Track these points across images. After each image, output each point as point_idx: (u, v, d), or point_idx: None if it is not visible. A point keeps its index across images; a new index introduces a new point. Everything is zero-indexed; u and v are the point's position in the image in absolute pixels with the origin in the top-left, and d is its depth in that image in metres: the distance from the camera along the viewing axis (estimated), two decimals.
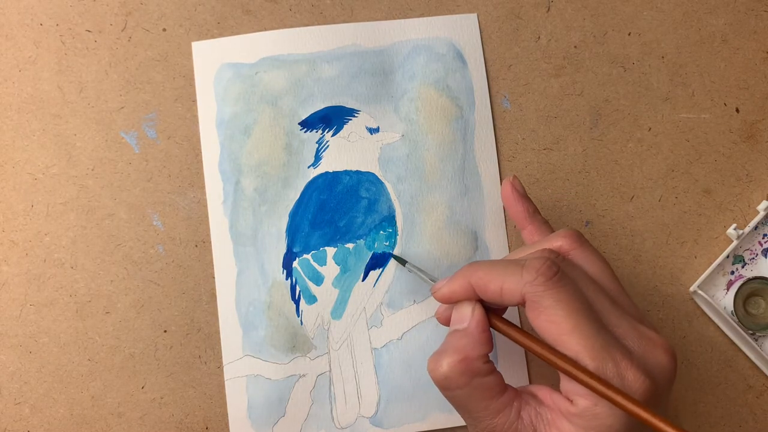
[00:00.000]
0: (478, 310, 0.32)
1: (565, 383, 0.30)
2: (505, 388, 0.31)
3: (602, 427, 0.29)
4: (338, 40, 0.41)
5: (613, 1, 0.43)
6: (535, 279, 0.30)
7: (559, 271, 0.30)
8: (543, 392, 0.31)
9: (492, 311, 0.33)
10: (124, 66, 0.41)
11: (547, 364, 0.30)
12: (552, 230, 0.37)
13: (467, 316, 0.32)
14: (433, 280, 0.36)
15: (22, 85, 0.41)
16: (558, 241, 0.33)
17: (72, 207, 0.40)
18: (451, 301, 0.33)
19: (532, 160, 0.42)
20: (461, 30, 0.42)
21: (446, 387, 0.31)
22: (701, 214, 0.42)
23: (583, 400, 0.29)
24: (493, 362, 0.32)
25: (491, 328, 0.32)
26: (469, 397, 0.31)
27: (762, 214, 0.41)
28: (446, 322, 0.34)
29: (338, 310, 0.40)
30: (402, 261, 0.39)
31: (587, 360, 0.29)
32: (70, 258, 0.40)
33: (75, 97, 0.41)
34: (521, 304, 0.31)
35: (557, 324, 0.29)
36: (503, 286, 0.31)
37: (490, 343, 0.32)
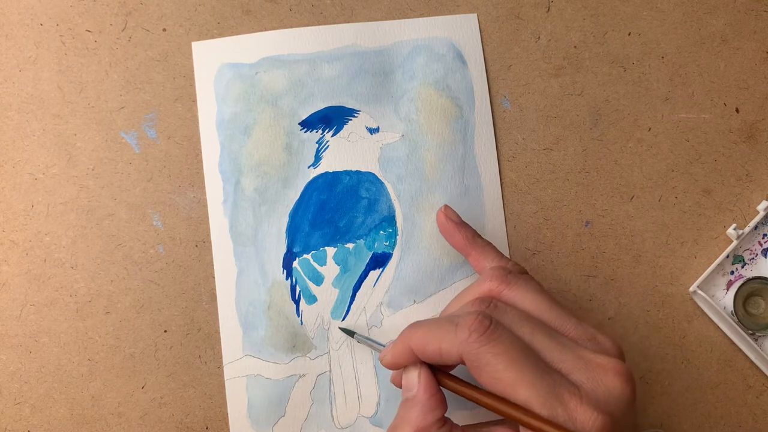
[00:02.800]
0: (424, 375, 0.32)
1: (522, 429, 0.30)
2: None
3: None
4: (338, 40, 0.41)
5: (613, 1, 0.43)
6: (469, 336, 0.30)
7: (492, 323, 0.30)
8: (500, 429, 0.31)
9: (441, 369, 0.33)
10: (124, 66, 0.41)
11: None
12: (495, 251, 0.36)
13: (414, 383, 0.32)
14: (382, 346, 0.36)
15: (22, 85, 0.41)
16: (485, 285, 0.33)
17: (72, 207, 0.40)
18: (399, 367, 0.33)
19: (532, 160, 0.42)
20: (461, 30, 0.42)
21: None
22: (701, 214, 0.42)
23: None
24: (450, 421, 0.31)
25: (444, 388, 0.32)
26: None
27: (762, 214, 0.41)
28: (398, 384, 0.34)
29: (338, 310, 0.40)
30: (350, 333, 0.39)
31: (537, 408, 0.28)
32: (70, 258, 0.40)
33: (75, 97, 0.41)
34: (462, 363, 0.30)
35: (500, 378, 0.29)
36: (441, 347, 0.31)
37: (443, 406, 0.32)
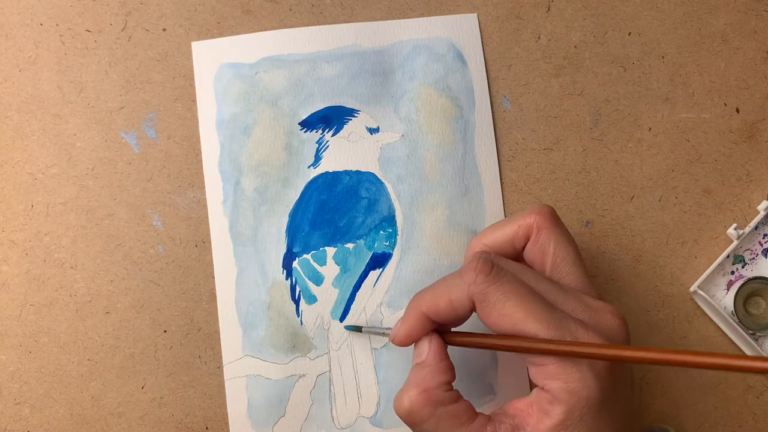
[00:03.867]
0: (435, 341, 0.33)
1: (534, 371, 0.30)
2: (474, 414, 0.31)
3: (580, 402, 0.29)
4: (338, 40, 0.41)
5: (613, 1, 0.43)
6: (475, 279, 0.31)
7: (495, 265, 0.31)
8: (517, 403, 0.31)
9: (450, 332, 0.33)
10: (124, 66, 0.41)
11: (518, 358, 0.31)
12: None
13: (425, 349, 0.33)
14: (389, 329, 0.36)
15: (22, 85, 0.41)
16: (532, 218, 0.34)
17: (72, 207, 0.40)
18: (412, 341, 0.33)
19: (532, 160, 0.42)
20: (461, 30, 0.42)
21: (412, 422, 0.31)
22: (701, 214, 0.42)
23: (554, 382, 0.29)
24: (457, 391, 0.32)
25: (456, 346, 0.33)
26: (438, 428, 0.31)
27: (762, 214, 0.41)
28: None
29: (338, 310, 0.40)
30: (357, 328, 0.39)
31: (546, 337, 0.29)
32: (70, 258, 0.40)
33: (75, 97, 0.41)
34: (473, 310, 0.31)
35: (509, 315, 0.30)
36: (451, 297, 0.31)
37: (451, 372, 0.32)
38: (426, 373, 0.32)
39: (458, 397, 0.32)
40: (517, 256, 0.35)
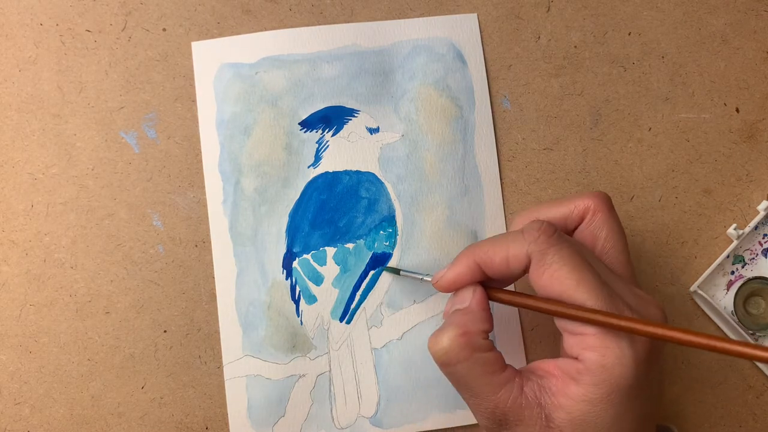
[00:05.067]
0: (479, 290, 0.33)
1: (571, 341, 0.30)
2: (505, 366, 0.32)
3: (611, 378, 0.29)
4: (338, 40, 0.41)
5: (613, 1, 0.43)
6: (538, 238, 0.31)
7: (557, 231, 0.32)
8: (546, 364, 0.32)
9: (492, 289, 0.34)
10: (124, 66, 0.41)
11: (555, 324, 0.31)
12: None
13: (468, 297, 0.33)
14: (428, 275, 0.36)
15: (22, 85, 0.41)
16: (588, 201, 0.34)
17: (72, 207, 0.40)
18: (456, 286, 0.33)
19: (532, 160, 0.42)
20: (461, 30, 0.42)
21: (447, 362, 0.31)
22: (701, 214, 0.42)
23: (590, 353, 0.29)
24: (492, 341, 0.32)
25: (498, 302, 0.33)
26: (470, 372, 0.31)
27: (762, 214, 0.41)
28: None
29: (338, 310, 0.40)
30: (395, 271, 0.39)
31: (594, 308, 0.29)
32: (70, 258, 0.40)
33: (75, 97, 0.41)
34: (526, 271, 0.32)
35: (562, 279, 0.30)
36: (508, 253, 0.32)
37: (491, 322, 0.32)
38: (469, 318, 0.32)
39: (493, 347, 0.32)
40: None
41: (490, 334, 0.32)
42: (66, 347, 0.39)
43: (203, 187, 0.41)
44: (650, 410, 0.31)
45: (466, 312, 0.32)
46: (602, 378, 0.29)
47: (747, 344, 0.27)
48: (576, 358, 0.30)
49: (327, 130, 0.41)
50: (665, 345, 0.31)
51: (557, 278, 0.30)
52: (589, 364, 0.29)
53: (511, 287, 0.35)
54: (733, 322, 0.41)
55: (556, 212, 0.34)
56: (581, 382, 0.29)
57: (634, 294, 0.32)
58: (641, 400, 0.30)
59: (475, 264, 0.33)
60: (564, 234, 0.32)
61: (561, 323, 0.31)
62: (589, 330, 0.29)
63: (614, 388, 0.29)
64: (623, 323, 0.29)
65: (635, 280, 0.34)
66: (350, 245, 0.40)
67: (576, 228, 0.34)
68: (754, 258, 0.42)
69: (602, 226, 0.34)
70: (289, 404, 0.39)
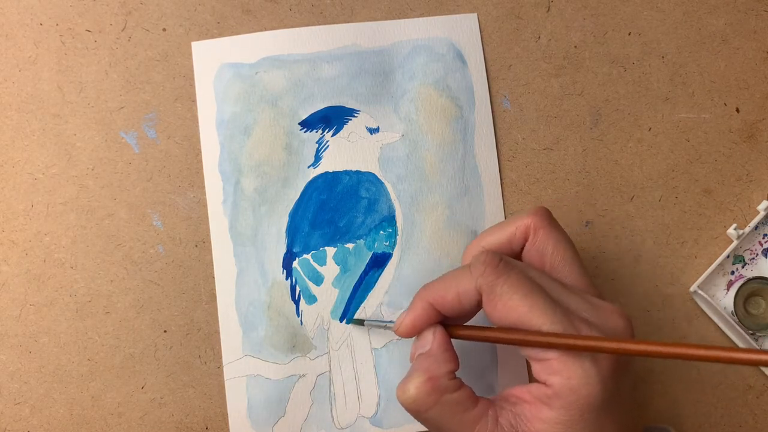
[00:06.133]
0: (439, 331, 0.33)
1: (537, 367, 0.30)
2: (477, 400, 0.32)
3: (581, 399, 0.29)
4: (338, 40, 0.41)
5: (613, 1, 0.43)
6: (484, 271, 0.31)
7: (503, 259, 0.32)
8: (518, 391, 0.32)
9: (453, 325, 0.34)
10: (124, 66, 0.41)
11: (520, 353, 0.31)
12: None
13: (429, 339, 0.33)
14: (392, 322, 0.36)
15: (22, 85, 0.41)
16: (528, 219, 0.34)
17: (72, 207, 0.40)
18: (417, 330, 0.34)
19: (532, 160, 0.42)
20: (461, 30, 0.42)
21: (417, 410, 0.31)
22: (701, 214, 0.42)
23: (556, 377, 0.29)
24: (460, 379, 0.32)
25: (459, 339, 0.33)
26: (441, 415, 0.31)
27: (762, 214, 0.41)
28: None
29: (338, 310, 0.40)
30: (360, 322, 0.39)
31: (550, 330, 0.30)
32: (70, 258, 0.40)
33: (75, 97, 0.41)
34: (479, 303, 0.32)
35: (514, 308, 0.30)
36: (459, 290, 0.32)
37: (455, 361, 0.33)
38: (431, 361, 0.32)
39: (461, 385, 0.32)
40: (515, 258, 0.35)
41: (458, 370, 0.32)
42: (66, 347, 0.39)
43: (203, 187, 0.41)
44: (627, 422, 0.31)
45: (429, 355, 0.32)
46: (571, 400, 0.29)
47: (707, 347, 0.27)
48: (545, 383, 0.30)
49: (327, 130, 0.41)
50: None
51: (510, 307, 0.30)
52: (557, 388, 0.29)
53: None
54: (733, 322, 0.41)
55: (500, 237, 0.35)
56: (553, 407, 0.29)
57: (592, 306, 0.32)
58: (617, 413, 0.30)
59: (429, 305, 0.33)
60: (510, 260, 0.32)
61: (524, 351, 0.31)
62: (551, 354, 0.30)
63: (585, 408, 0.29)
64: (579, 343, 0.29)
65: (594, 289, 0.34)
66: (350, 245, 0.40)
67: (522, 248, 0.35)
68: (754, 258, 0.42)
69: (546, 241, 0.34)
70: (289, 404, 0.39)
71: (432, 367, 0.32)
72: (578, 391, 0.29)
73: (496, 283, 0.31)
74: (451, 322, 0.34)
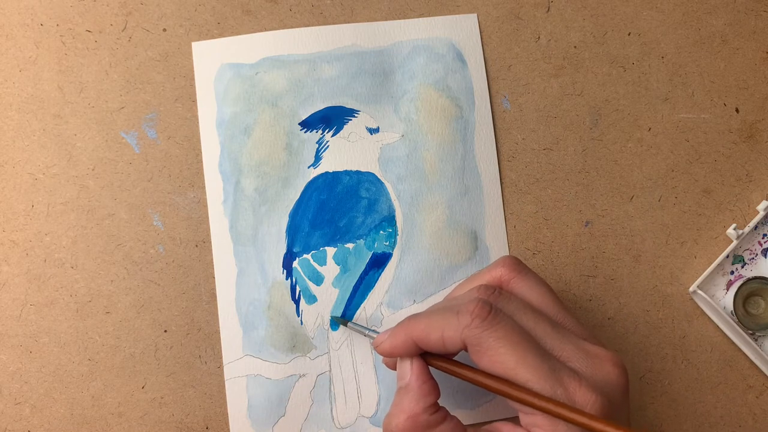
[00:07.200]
0: (416, 363, 0.33)
1: (524, 417, 0.30)
2: (464, 430, 0.31)
3: None
4: (338, 40, 0.41)
5: (613, 1, 0.43)
6: (471, 322, 0.30)
7: (493, 309, 0.30)
8: (505, 427, 0.31)
9: (437, 355, 0.33)
10: (124, 66, 0.41)
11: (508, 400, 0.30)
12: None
13: (407, 371, 0.33)
14: (375, 332, 0.36)
15: (22, 85, 0.41)
16: (497, 271, 0.34)
17: (72, 207, 0.40)
18: (393, 356, 0.33)
19: (532, 160, 0.42)
20: (461, 30, 0.42)
21: None
22: (701, 214, 0.42)
23: (540, 431, 0.29)
24: (444, 409, 0.32)
25: (439, 371, 0.33)
26: None
27: (762, 214, 0.41)
28: (392, 366, 0.35)
29: (338, 310, 0.40)
30: (344, 321, 0.39)
31: (537, 389, 0.29)
32: (70, 258, 0.40)
33: (75, 97, 0.41)
34: (465, 350, 0.31)
35: (501, 362, 0.30)
36: (443, 335, 0.31)
37: (435, 392, 0.32)
38: (410, 398, 0.32)
39: (445, 417, 0.32)
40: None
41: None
42: (66, 347, 0.40)
43: (203, 187, 0.41)
44: None
45: (408, 391, 0.32)
46: None
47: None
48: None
49: (327, 130, 0.41)
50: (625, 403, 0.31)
51: (497, 361, 0.30)
52: None
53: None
54: (732, 322, 0.41)
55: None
56: None
57: (586, 354, 0.31)
58: None
59: (411, 340, 0.32)
60: (503, 308, 0.31)
61: (510, 402, 0.30)
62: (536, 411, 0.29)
63: None
64: (561, 412, 0.28)
65: (585, 331, 0.33)
66: (350, 245, 0.40)
67: None
68: (753, 258, 0.42)
69: (521, 290, 0.33)
70: (289, 404, 0.39)
71: (412, 404, 0.31)
72: None
73: (482, 336, 0.30)
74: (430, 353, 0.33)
